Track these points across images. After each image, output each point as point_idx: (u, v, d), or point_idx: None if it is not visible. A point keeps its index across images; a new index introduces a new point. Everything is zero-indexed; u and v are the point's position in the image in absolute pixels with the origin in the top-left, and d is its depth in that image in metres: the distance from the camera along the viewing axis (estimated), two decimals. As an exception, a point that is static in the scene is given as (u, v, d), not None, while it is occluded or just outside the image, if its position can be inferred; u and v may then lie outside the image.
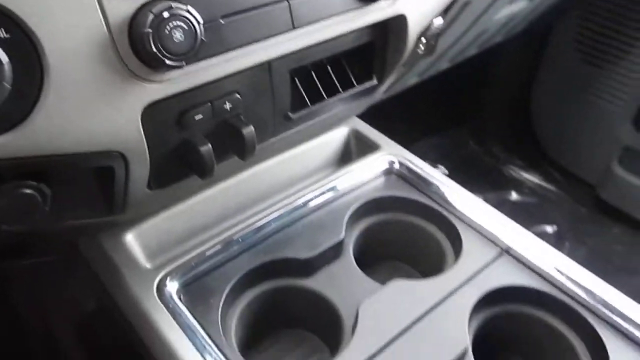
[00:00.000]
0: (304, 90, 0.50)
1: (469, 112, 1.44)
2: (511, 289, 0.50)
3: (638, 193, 1.20)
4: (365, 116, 0.71)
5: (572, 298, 0.49)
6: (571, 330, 0.49)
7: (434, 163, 1.32)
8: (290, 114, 0.49)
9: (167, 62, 0.36)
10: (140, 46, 0.36)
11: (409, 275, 0.53)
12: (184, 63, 0.37)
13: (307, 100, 0.50)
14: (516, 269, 0.52)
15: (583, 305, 0.49)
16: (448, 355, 0.44)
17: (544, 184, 1.32)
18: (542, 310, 0.50)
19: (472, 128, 1.42)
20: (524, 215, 1.22)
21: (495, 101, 1.43)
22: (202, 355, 0.43)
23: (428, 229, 0.57)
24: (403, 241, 0.57)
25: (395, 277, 0.51)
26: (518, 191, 1.28)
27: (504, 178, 1.31)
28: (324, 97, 0.51)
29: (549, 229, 1.20)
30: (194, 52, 0.37)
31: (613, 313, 0.48)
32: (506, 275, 0.51)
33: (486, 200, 1.24)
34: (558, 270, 0.51)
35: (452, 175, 1.30)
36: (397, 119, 1.15)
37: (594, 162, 1.26)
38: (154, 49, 0.36)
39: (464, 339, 0.46)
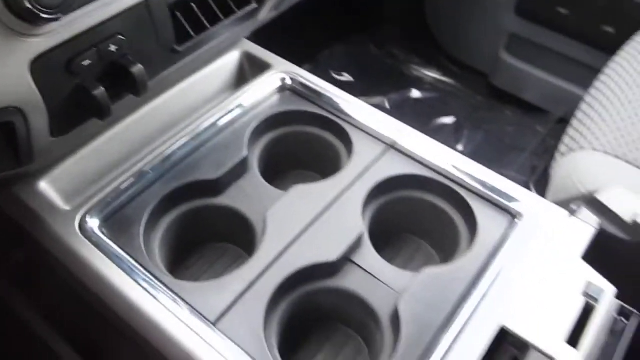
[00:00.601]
0: (186, 22, 0.53)
1: (369, 18, 1.48)
2: (398, 178, 0.58)
3: (524, 76, 1.31)
4: (265, 35, 0.74)
5: (449, 179, 0.57)
6: (450, 206, 0.58)
7: (338, 71, 1.38)
8: (176, 47, 0.52)
9: (43, 15, 0.38)
10: (14, 3, 0.38)
11: (311, 180, 0.59)
12: (60, 15, 0.39)
13: (191, 32, 0.53)
14: (401, 160, 0.59)
15: (457, 183, 0.57)
16: (346, 241, 0.52)
17: (442, 78, 1.40)
18: (425, 192, 0.58)
19: (372, 33, 1.47)
20: (426, 110, 1.31)
21: (392, 4, 1.47)
22: (132, 277, 0.49)
23: (323, 136, 0.63)
24: (303, 150, 0.63)
25: (299, 183, 0.57)
26: (419, 88, 1.36)
27: (405, 77, 1.39)
28: (207, 27, 0.54)
29: (449, 120, 1.30)
30: (68, 3, 0.39)
31: (479, 184, 0.56)
32: (393, 167, 0.58)
33: (390, 100, 1.32)
34: (436, 157, 0.59)
35: (358, 80, 1.36)
36: (297, 34, 1.18)
37: (484, 52, 1.35)
38: (28, 5, 0.38)
39: (359, 226, 0.53)
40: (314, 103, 0.64)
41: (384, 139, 0.60)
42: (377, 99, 1.31)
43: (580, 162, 0.71)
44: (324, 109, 0.63)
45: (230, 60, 0.66)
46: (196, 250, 0.59)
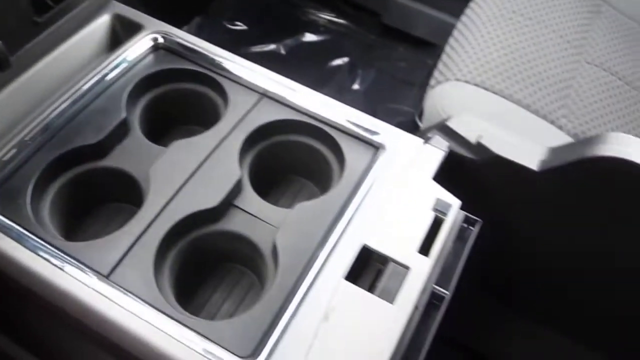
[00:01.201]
0: (43, -8, 0.54)
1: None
2: (272, 124, 0.62)
3: (414, 13, 1.37)
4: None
5: (318, 120, 0.63)
6: (322, 145, 0.63)
7: (231, 21, 1.38)
8: (36, 18, 0.53)
9: None
10: None
11: (193, 134, 0.63)
12: None
13: (49, 2, 0.54)
14: (274, 107, 0.64)
15: (325, 124, 0.62)
16: (226, 187, 0.56)
17: (335, 19, 1.44)
18: (299, 135, 0.63)
19: (263, -21, 1.47)
20: (321, 53, 1.35)
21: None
22: (22, 244, 0.51)
23: (200, 90, 0.66)
24: (182, 106, 0.66)
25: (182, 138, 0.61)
26: (313, 32, 1.39)
27: (299, 22, 1.41)
28: (65, -5, 0.55)
29: (343, 60, 1.34)
30: None
31: (344, 122, 0.62)
32: (267, 114, 0.63)
33: (285, 46, 1.35)
34: (306, 101, 0.64)
35: (252, 28, 1.37)
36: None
37: (376, -9, 1.40)
38: None
39: (237, 172, 0.58)
40: (188, 60, 0.66)
41: (257, 89, 0.64)
42: (272, 46, 1.34)
43: (444, 93, 0.78)
44: (198, 64, 0.66)
45: (101, 25, 0.67)
46: (91, 213, 0.62)
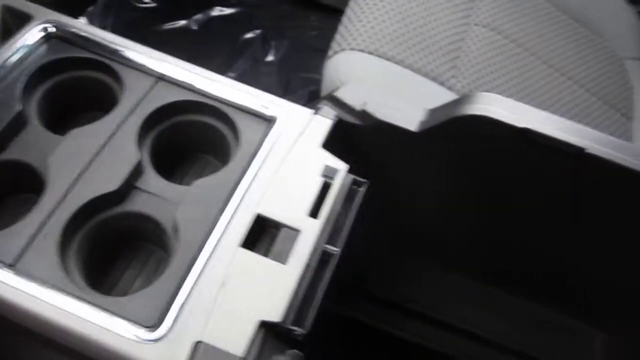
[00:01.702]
0: None
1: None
2: (169, 106, 0.65)
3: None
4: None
5: (213, 99, 0.66)
6: (219, 122, 0.66)
7: (139, 5, 1.37)
8: None
9: None
10: None
11: (93, 121, 0.64)
12: None
13: None
14: (171, 90, 0.66)
15: (220, 102, 0.66)
16: (125, 170, 0.59)
17: (247, -9, 1.45)
18: (197, 114, 0.66)
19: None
20: (233, 26, 1.36)
21: None
22: None
23: (96, 77, 0.67)
24: (80, 95, 0.68)
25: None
26: (224, 5, 1.40)
27: (209, -4, 1.42)
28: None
29: (255, 33, 1.36)
30: None
31: (238, 99, 0.65)
32: (164, 97, 0.65)
33: (196, 21, 1.35)
34: (201, 82, 0.66)
35: (160, 5, 1.36)
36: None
37: (283, -39, 1.41)
38: None
39: (135, 154, 0.60)
40: (81, 47, 0.67)
41: (153, 73, 0.67)
42: (183, 22, 1.34)
43: (340, 62, 0.82)
44: (92, 51, 0.67)
45: (-13, 17, 0.67)
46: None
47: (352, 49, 0.84)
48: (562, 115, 0.96)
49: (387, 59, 0.83)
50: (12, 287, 0.51)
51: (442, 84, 0.85)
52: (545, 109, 0.96)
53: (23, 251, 0.54)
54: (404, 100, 0.68)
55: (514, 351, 0.84)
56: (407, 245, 0.82)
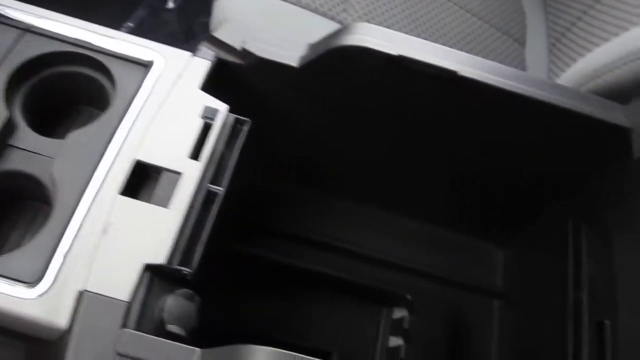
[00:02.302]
0: None
1: None
2: (39, 58, 0.62)
3: None
4: None
5: (86, 48, 0.63)
6: (94, 71, 0.64)
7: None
8: None
9: None
10: None
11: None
12: None
13: None
14: (41, 41, 0.63)
15: (95, 50, 0.63)
16: (-7, 129, 0.57)
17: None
18: (71, 65, 0.64)
19: None
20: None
21: None
22: None
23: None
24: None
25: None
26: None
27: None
28: None
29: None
30: None
31: (114, 46, 0.63)
32: (32, 50, 0.63)
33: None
34: (73, 30, 0.64)
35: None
36: None
37: None
38: None
39: (2, 113, 0.58)
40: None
41: (19, 25, 0.63)
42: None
43: (226, 2, 0.81)
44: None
45: None
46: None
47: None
48: (456, 44, 0.99)
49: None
50: None
51: (332, 18, 0.85)
52: (439, 39, 0.98)
53: None
54: (292, 37, 0.68)
55: (412, 270, 0.88)
56: (299, 177, 0.84)
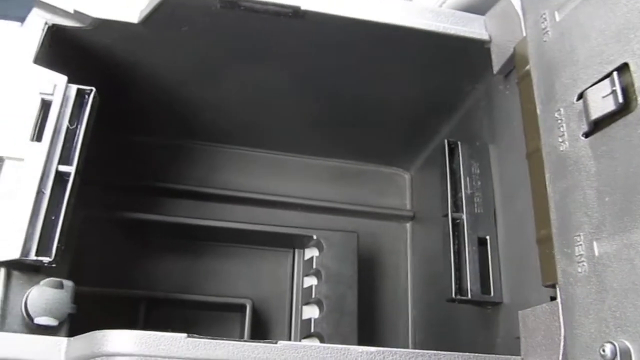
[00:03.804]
0: None
1: None
2: None
3: None
4: None
5: None
6: None
7: None
8: None
9: None
10: None
11: None
12: None
13: None
14: None
15: None
16: None
17: None
18: None
19: None
20: None
21: None
22: None
23: None
24: None
25: None
26: None
27: None
28: None
29: None
30: None
31: None
32: None
33: None
34: None
35: None
36: None
37: None
38: None
39: None
40: None
41: None
42: None
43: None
44: None
45: None
46: None
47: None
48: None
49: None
50: None
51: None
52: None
53: None
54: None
55: (320, 207, 0.88)
56: (180, 132, 0.82)
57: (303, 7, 0.57)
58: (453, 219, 0.64)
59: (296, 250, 0.87)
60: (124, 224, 0.78)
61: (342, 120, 0.82)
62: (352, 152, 0.92)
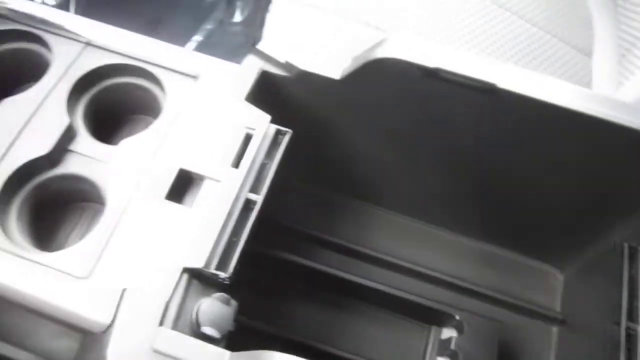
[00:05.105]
0: None
1: None
2: (98, 70, 0.67)
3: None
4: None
5: (140, 60, 0.67)
6: (149, 82, 0.68)
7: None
8: None
9: None
10: None
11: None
12: None
13: None
14: (100, 54, 0.68)
15: (148, 63, 0.67)
16: (56, 135, 0.61)
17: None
18: (127, 76, 0.68)
19: None
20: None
21: None
22: None
23: (28, 47, 0.69)
24: (15, 66, 0.70)
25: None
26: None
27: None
28: None
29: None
30: None
31: (162, 58, 0.67)
32: (93, 61, 0.67)
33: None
34: (129, 45, 0.68)
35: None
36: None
37: None
38: None
39: (65, 119, 0.63)
40: (13, 20, 0.69)
41: (81, 39, 0.68)
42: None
43: (277, 14, 0.83)
44: (22, 23, 0.69)
45: None
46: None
47: (290, 2, 0.84)
48: (515, 56, 0.96)
49: (326, 11, 0.84)
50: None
51: (384, 31, 0.85)
52: (496, 51, 0.96)
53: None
54: (337, 49, 0.69)
55: (463, 288, 0.86)
56: (341, 188, 0.84)
57: (499, 86, 0.59)
58: (626, 329, 0.59)
59: (432, 328, 0.85)
60: (273, 260, 0.82)
61: (499, 201, 0.80)
62: (503, 237, 0.89)
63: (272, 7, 0.86)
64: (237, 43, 1.31)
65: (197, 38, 1.29)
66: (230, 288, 0.57)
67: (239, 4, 1.34)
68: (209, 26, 1.31)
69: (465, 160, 0.73)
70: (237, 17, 1.32)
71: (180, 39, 0.68)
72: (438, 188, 0.80)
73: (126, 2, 1.32)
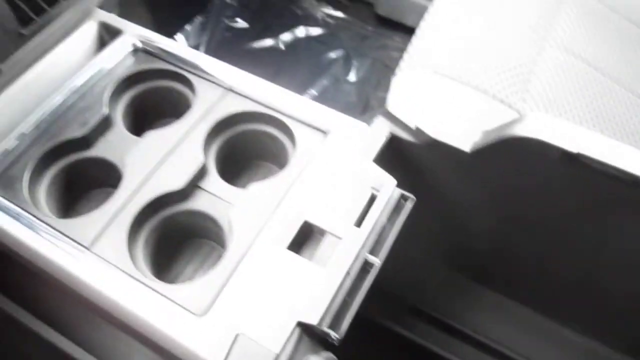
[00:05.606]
0: (24, 3, 0.62)
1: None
2: (235, 115, 0.70)
3: (406, 3, 1.42)
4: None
5: (275, 110, 0.70)
6: (279, 132, 0.71)
7: (232, 18, 1.46)
8: (22, 31, 0.62)
9: None
10: None
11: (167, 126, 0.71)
12: None
13: (32, 15, 0.63)
14: (238, 100, 0.72)
15: (281, 113, 0.70)
16: (190, 171, 0.65)
17: (332, 12, 1.50)
18: (259, 124, 0.71)
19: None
20: (317, 46, 1.42)
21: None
22: (17, 220, 0.61)
23: (174, 86, 0.74)
24: (158, 102, 0.75)
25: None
26: (310, 25, 1.46)
27: (296, 16, 1.48)
28: (46, 9, 0.64)
29: (337, 53, 1.41)
30: None
31: (298, 112, 0.69)
32: (230, 106, 0.71)
33: (284, 41, 1.42)
34: (265, 94, 0.71)
35: (252, 25, 1.45)
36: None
37: (368, -17, 1.45)
38: None
39: (201, 158, 0.66)
40: (163, 60, 0.75)
41: (223, 84, 0.72)
42: (271, 42, 1.41)
43: (404, 80, 0.84)
44: (171, 63, 0.74)
45: (87, 31, 0.76)
46: (82, 196, 0.72)
47: (418, 67, 0.85)
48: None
49: (452, 78, 0.84)
50: (87, 265, 0.58)
51: (510, 106, 0.84)
52: (622, 138, 0.92)
53: (97, 237, 0.60)
54: (466, 120, 0.69)
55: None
56: (457, 264, 0.82)
57: (647, 180, 0.56)
58: None
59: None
60: (372, 326, 0.81)
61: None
62: (613, 339, 0.83)
63: (399, 72, 0.87)
64: (349, 101, 1.34)
65: (312, 92, 1.34)
66: (334, 347, 0.56)
67: (354, 63, 1.38)
68: (325, 81, 1.35)
69: (590, 250, 0.70)
70: (352, 76, 1.36)
71: (296, 90, 0.71)
72: (557, 276, 0.76)
73: (251, 50, 1.40)
